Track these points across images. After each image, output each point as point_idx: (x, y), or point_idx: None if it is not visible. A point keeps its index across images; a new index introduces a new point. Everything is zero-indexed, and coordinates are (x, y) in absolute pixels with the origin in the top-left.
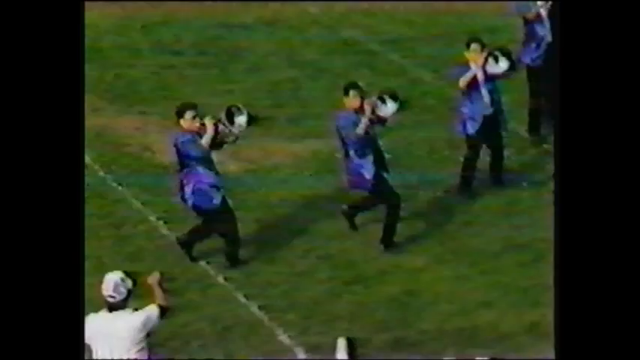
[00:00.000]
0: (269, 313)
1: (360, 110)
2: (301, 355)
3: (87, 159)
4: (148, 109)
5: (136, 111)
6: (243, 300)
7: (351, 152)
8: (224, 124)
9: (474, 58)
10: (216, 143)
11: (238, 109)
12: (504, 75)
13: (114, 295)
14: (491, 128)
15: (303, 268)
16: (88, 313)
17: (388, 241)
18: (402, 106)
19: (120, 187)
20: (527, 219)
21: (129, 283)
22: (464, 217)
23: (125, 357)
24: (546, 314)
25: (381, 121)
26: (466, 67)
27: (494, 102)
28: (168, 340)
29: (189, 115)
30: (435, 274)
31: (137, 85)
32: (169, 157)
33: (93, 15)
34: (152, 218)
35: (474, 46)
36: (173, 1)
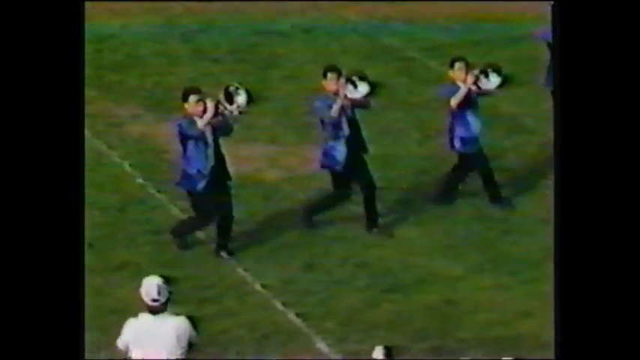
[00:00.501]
0: (307, 320)
1: (336, 93)
2: None
3: (126, 166)
4: None
5: (175, 118)
6: (281, 307)
7: (326, 134)
8: (223, 105)
9: (459, 76)
10: (223, 127)
11: (237, 88)
12: (496, 91)
13: (158, 298)
14: (479, 147)
15: (341, 276)
16: (128, 318)
17: (372, 223)
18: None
19: (159, 194)
20: None
21: (168, 287)
22: (503, 226)
23: (172, 357)
24: None
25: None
26: (454, 85)
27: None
28: (206, 346)
29: (192, 98)
30: (474, 282)
31: (176, 93)
32: None
33: (133, 23)
34: None
35: (458, 64)
36: (181, 2)
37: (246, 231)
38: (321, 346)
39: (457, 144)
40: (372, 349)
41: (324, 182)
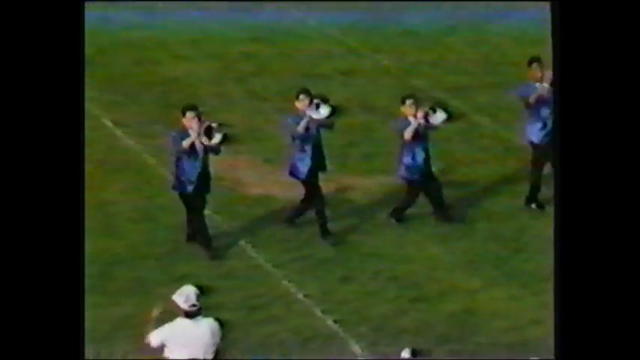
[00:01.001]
0: (343, 326)
1: (303, 112)
2: None
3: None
4: (240, 148)
5: (231, 151)
6: (320, 315)
7: (293, 146)
8: (202, 139)
9: (410, 112)
10: (210, 148)
11: (218, 126)
12: (442, 125)
13: (196, 304)
14: (429, 175)
15: (373, 287)
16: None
17: (326, 235)
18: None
19: (216, 216)
20: None
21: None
22: (515, 245)
23: (209, 355)
24: None
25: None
26: (405, 120)
27: (428, 151)
28: (255, 349)
29: (189, 114)
30: (490, 294)
31: (230, 129)
32: (258, 190)
33: (192, 67)
34: (242, 242)
35: (408, 102)
36: (175, 1)
37: (289, 248)
38: (356, 348)
39: (402, 172)
40: (400, 351)
41: (359, 206)
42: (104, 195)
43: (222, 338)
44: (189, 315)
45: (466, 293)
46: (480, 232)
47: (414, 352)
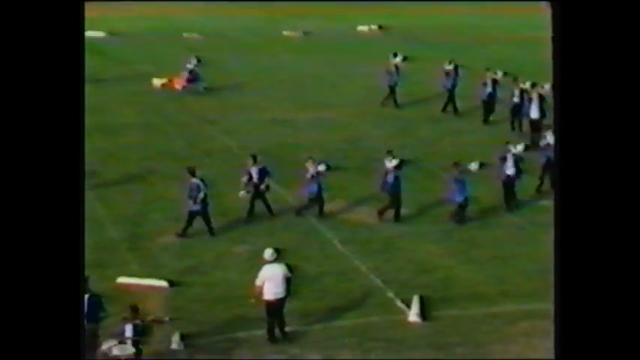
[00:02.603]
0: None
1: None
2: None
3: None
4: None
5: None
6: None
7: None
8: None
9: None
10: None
11: (202, 181)
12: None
13: (275, 256)
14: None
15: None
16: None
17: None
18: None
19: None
20: None
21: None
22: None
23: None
24: None
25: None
26: None
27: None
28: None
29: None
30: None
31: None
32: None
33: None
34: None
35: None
36: (174, 1)
37: None
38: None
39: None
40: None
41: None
42: None
43: (291, 273)
44: (271, 262)
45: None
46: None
47: (421, 298)
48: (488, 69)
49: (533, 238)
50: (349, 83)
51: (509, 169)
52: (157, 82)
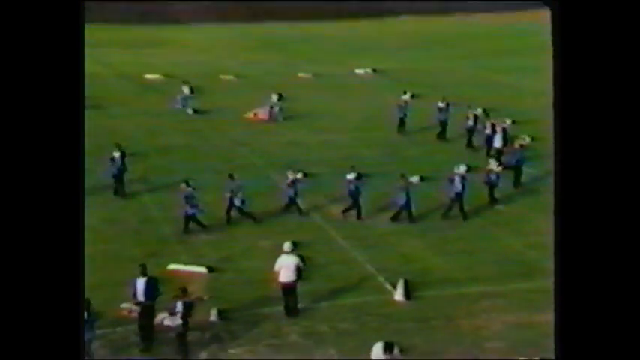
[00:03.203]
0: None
1: None
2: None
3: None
4: None
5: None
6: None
7: None
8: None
9: None
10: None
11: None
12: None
13: (292, 248)
14: None
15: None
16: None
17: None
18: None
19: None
20: None
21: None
22: None
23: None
24: None
25: None
26: None
27: None
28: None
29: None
30: None
31: None
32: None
33: None
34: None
35: None
36: (173, 0)
37: None
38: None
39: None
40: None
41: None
42: None
43: (303, 262)
44: (287, 253)
45: None
46: None
47: (405, 282)
48: (469, 106)
49: (491, 235)
50: (350, 113)
51: (457, 188)
52: (248, 114)
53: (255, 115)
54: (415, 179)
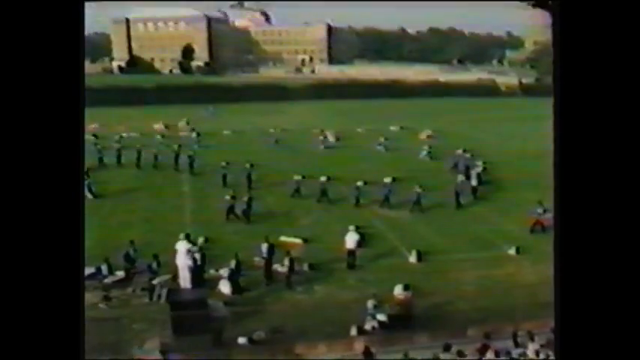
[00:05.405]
0: None
1: None
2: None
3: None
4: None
5: None
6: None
7: None
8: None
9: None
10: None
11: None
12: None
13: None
14: None
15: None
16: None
17: None
18: (363, 240)
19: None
20: None
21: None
22: None
23: None
24: None
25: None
26: None
27: None
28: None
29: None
30: None
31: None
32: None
33: None
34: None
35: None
36: (171, 0)
37: None
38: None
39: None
40: None
41: None
42: None
43: (361, 238)
44: (351, 231)
45: None
46: None
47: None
48: (458, 148)
49: (472, 225)
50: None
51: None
52: None
53: None
54: (387, 179)
